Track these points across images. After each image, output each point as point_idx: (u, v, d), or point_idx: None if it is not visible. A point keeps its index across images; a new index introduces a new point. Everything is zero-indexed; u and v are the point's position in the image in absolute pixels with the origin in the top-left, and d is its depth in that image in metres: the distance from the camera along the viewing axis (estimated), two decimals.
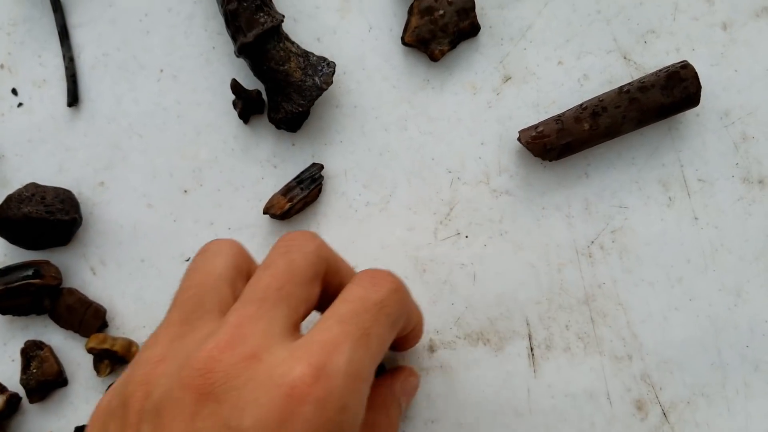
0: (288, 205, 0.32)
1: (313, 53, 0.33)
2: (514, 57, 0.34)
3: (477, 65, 0.34)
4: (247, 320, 0.20)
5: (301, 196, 0.32)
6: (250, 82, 0.34)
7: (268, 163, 0.34)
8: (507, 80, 0.34)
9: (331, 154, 0.34)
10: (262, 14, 0.32)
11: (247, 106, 0.33)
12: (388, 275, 0.23)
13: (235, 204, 0.34)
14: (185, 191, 0.34)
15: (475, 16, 0.33)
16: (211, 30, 0.35)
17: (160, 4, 0.35)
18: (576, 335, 0.32)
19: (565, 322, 0.32)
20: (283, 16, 0.32)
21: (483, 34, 0.34)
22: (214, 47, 0.35)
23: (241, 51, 0.32)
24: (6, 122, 0.35)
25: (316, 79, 0.32)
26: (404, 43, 0.34)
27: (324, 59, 0.33)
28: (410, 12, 0.34)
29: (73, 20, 0.36)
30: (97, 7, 0.36)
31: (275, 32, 0.32)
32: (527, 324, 0.32)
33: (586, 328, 0.32)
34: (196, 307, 0.22)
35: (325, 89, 0.32)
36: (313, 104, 0.32)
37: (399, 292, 0.23)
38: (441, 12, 0.33)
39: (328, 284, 0.24)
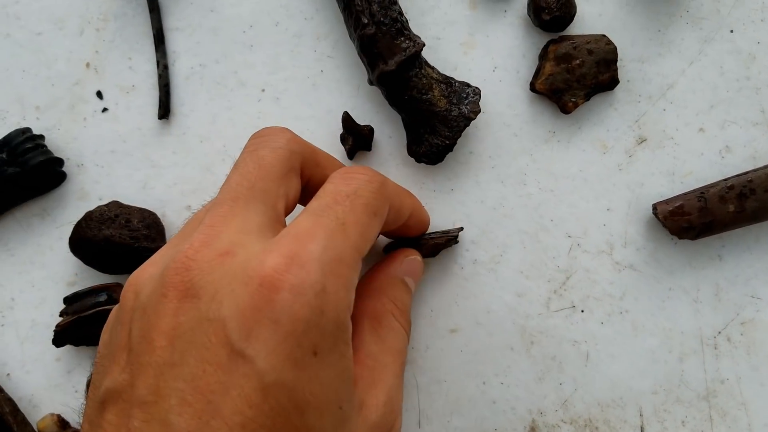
0: None
1: (454, 78, 0.30)
2: (651, 117, 0.31)
3: (610, 122, 0.31)
4: (220, 220, 0.21)
5: None
6: (359, 113, 0.31)
7: None
8: (641, 142, 0.31)
9: (440, 202, 0.31)
10: (403, 38, 0.29)
11: (356, 142, 0.30)
12: (363, 170, 0.23)
13: None
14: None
15: (616, 69, 0.30)
16: (321, 51, 0.32)
17: (267, 17, 0.32)
18: None
19: (682, 417, 0.29)
20: (421, 39, 0.29)
21: (619, 88, 0.31)
22: (322, 71, 0.32)
23: (380, 80, 0.29)
24: (88, 127, 0.32)
25: (463, 107, 0.29)
26: (533, 89, 0.31)
27: (467, 85, 0.30)
28: (543, 56, 0.31)
29: (170, 23, 0.33)
30: (197, 11, 0.33)
31: (416, 58, 0.29)
32: (640, 415, 0.29)
33: (703, 427, 0.29)
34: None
35: (473, 119, 0.29)
36: (460, 136, 0.29)
37: (374, 183, 0.22)
38: (579, 61, 0.30)
39: (309, 178, 0.25)
